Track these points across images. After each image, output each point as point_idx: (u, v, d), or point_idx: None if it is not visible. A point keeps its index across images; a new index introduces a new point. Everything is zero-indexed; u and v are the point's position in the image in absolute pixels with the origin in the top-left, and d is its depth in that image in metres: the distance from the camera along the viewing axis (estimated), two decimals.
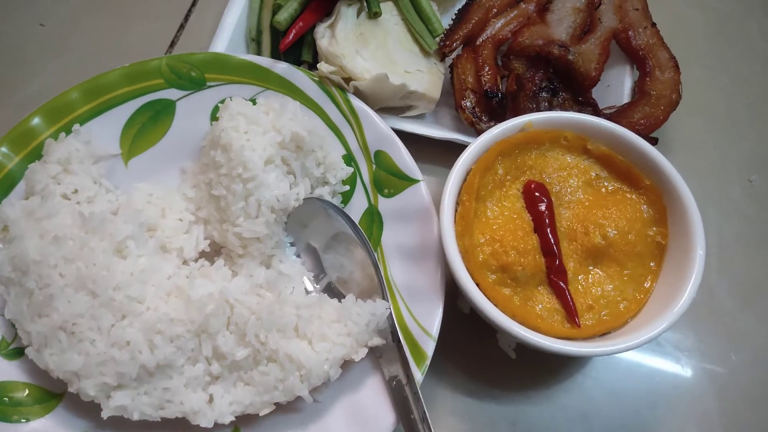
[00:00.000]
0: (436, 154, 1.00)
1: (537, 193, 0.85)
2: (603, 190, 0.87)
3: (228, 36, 1.02)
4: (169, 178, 0.96)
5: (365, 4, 0.96)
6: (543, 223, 0.83)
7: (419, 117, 1.02)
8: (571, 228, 0.84)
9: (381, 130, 0.92)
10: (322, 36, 0.94)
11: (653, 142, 0.94)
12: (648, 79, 0.99)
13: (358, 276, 0.88)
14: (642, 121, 0.95)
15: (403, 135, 0.96)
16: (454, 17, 1.02)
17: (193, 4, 1.15)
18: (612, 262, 0.83)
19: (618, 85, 1.04)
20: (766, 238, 0.99)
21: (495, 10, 1.04)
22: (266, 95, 0.96)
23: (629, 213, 0.84)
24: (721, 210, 1.01)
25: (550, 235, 0.82)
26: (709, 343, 0.93)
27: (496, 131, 0.85)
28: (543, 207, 0.84)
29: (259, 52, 1.02)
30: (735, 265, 0.97)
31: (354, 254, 0.88)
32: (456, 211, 0.82)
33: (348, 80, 0.92)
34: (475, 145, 0.84)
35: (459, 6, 1.13)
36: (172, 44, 1.10)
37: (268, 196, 0.83)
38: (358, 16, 0.96)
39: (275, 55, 0.99)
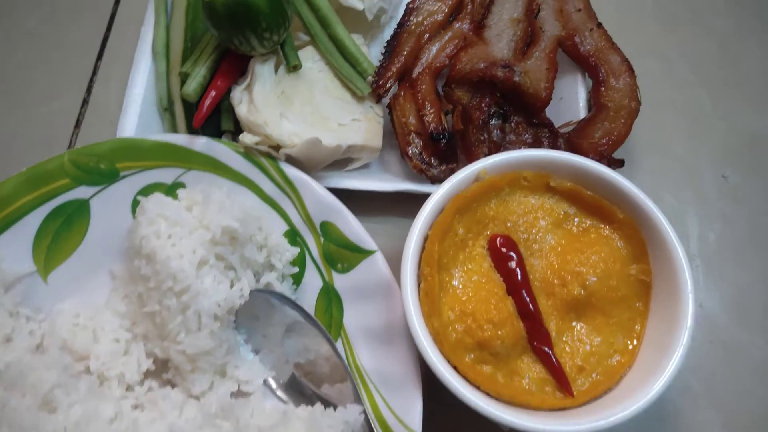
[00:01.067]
0: (390, 204, 0.91)
1: (504, 249, 0.76)
2: (574, 229, 0.79)
3: (137, 109, 0.90)
4: (99, 286, 0.85)
5: (282, 56, 0.85)
6: (516, 283, 0.75)
7: (364, 167, 0.92)
8: (547, 281, 0.77)
9: (323, 199, 0.82)
10: (240, 101, 0.83)
11: (619, 164, 0.86)
12: (603, 88, 0.90)
13: (324, 354, 0.79)
14: (604, 141, 0.86)
15: (349, 192, 0.87)
16: (383, 50, 0.92)
17: (94, 73, 1.02)
18: (596, 313, 0.76)
19: (571, 96, 0.95)
20: (750, 238, 0.93)
21: (427, 34, 0.93)
22: (189, 178, 0.85)
23: (606, 253, 0.77)
24: (699, 214, 0.94)
25: (526, 296, 0.75)
26: (708, 365, 0.86)
27: (448, 186, 0.76)
28: (513, 264, 0.76)
29: (174, 124, 0.91)
30: (722, 273, 0.91)
31: (321, 344, 0.79)
32: (419, 287, 0.73)
33: (277, 148, 0.82)
34: (428, 209, 0.75)
35: (388, 33, 1.04)
36: (78, 123, 0.98)
37: (207, 305, 0.73)
38: (276, 71, 0.86)
39: (192, 125, 0.88)
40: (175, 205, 0.78)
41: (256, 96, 0.81)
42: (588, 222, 0.79)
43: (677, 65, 1.05)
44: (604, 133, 0.87)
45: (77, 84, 1.01)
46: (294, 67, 0.85)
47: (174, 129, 0.91)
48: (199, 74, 0.83)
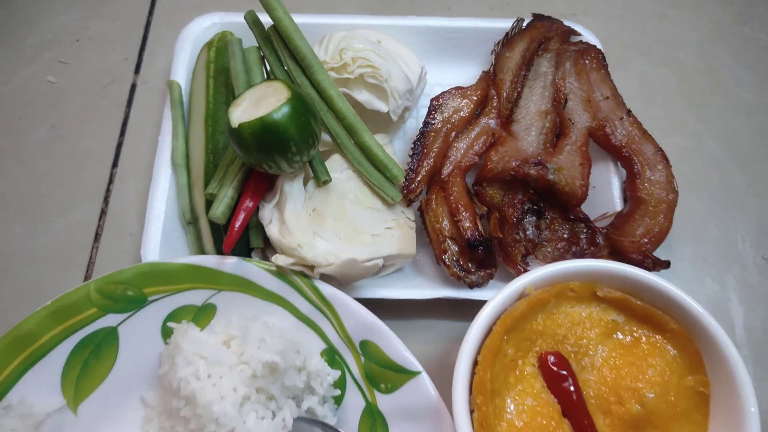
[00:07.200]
0: (426, 306, 0.88)
1: (556, 368, 0.73)
2: (625, 340, 0.76)
3: (159, 227, 0.87)
4: (130, 414, 0.81)
5: (311, 171, 0.83)
6: (572, 405, 0.72)
7: (398, 270, 0.90)
8: (602, 397, 0.73)
9: (362, 317, 0.79)
10: (270, 221, 0.80)
11: (665, 265, 0.83)
12: (638, 181, 0.88)
13: None
14: (646, 239, 0.84)
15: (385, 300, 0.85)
16: (410, 152, 0.90)
17: (111, 182, 0.99)
18: (655, 430, 0.73)
19: (605, 186, 0.93)
20: None
21: (454, 132, 0.91)
22: (219, 299, 0.82)
23: (661, 365, 0.74)
24: (744, 300, 0.92)
25: (584, 418, 0.72)
26: None
27: (493, 307, 0.73)
28: (567, 384, 0.73)
29: (199, 238, 0.88)
30: None
31: None
32: (472, 414, 0.70)
33: (311, 267, 0.79)
34: (474, 332, 0.72)
35: (408, 125, 1.02)
36: (97, 237, 0.95)
37: None
38: (305, 185, 0.83)
39: (218, 242, 0.85)
40: (213, 342, 0.75)
41: (288, 217, 0.79)
42: (638, 331, 0.76)
43: (705, 140, 1.03)
44: (645, 230, 0.85)
45: (93, 194, 0.98)
46: (324, 183, 0.82)
47: (199, 243, 0.89)
48: (226, 196, 0.80)
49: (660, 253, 0.86)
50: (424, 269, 0.91)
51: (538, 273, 0.75)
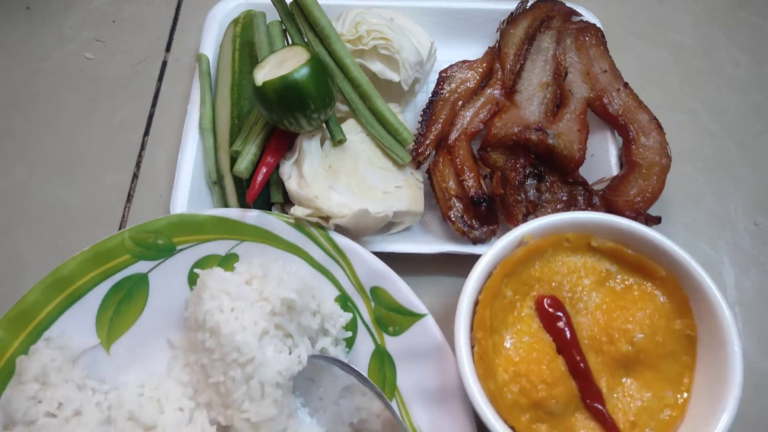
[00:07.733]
0: (433, 263, 0.95)
1: (552, 309, 0.79)
2: (618, 287, 0.82)
3: (187, 184, 0.95)
4: (157, 355, 0.88)
5: (327, 132, 0.90)
6: (566, 343, 0.78)
7: (406, 229, 0.96)
8: (594, 338, 0.79)
9: (372, 265, 0.86)
10: (289, 176, 0.87)
11: (656, 221, 0.89)
12: (633, 146, 0.94)
13: (375, 412, 0.82)
14: (639, 198, 0.90)
15: (394, 254, 0.90)
16: (420, 118, 0.97)
17: (142, 149, 1.07)
18: (645, 368, 0.78)
19: (602, 153, 0.99)
20: None
21: (461, 101, 0.98)
22: (242, 249, 0.89)
23: (651, 309, 0.79)
24: (735, 263, 0.97)
25: (576, 354, 0.77)
26: (753, 412, 0.88)
27: (493, 252, 0.79)
28: (561, 324, 0.79)
29: (224, 196, 0.95)
30: (762, 322, 0.93)
31: (372, 402, 0.82)
32: (473, 350, 0.76)
33: (327, 219, 0.86)
34: (476, 275, 0.78)
35: (420, 98, 1.09)
36: (129, 198, 1.03)
37: (270, 374, 0.76)
38: (322, 146, 0.90)
39: (242, 198, 0.93)
40: (236, 281, 0.81)
41: (306, 171, 0.86)
42: (630, 279, 0.82)
43: (701, 116, 1.09)
44: (638, 191, 0.90)
45: (126, 159, 1.06)
46: (339, 142, 0.89)
47: (223, 201, 0.96)
48: (249, 152, 0.87)
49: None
50: (431, 229, 0.98)
51: (537, 223, 0.81)
